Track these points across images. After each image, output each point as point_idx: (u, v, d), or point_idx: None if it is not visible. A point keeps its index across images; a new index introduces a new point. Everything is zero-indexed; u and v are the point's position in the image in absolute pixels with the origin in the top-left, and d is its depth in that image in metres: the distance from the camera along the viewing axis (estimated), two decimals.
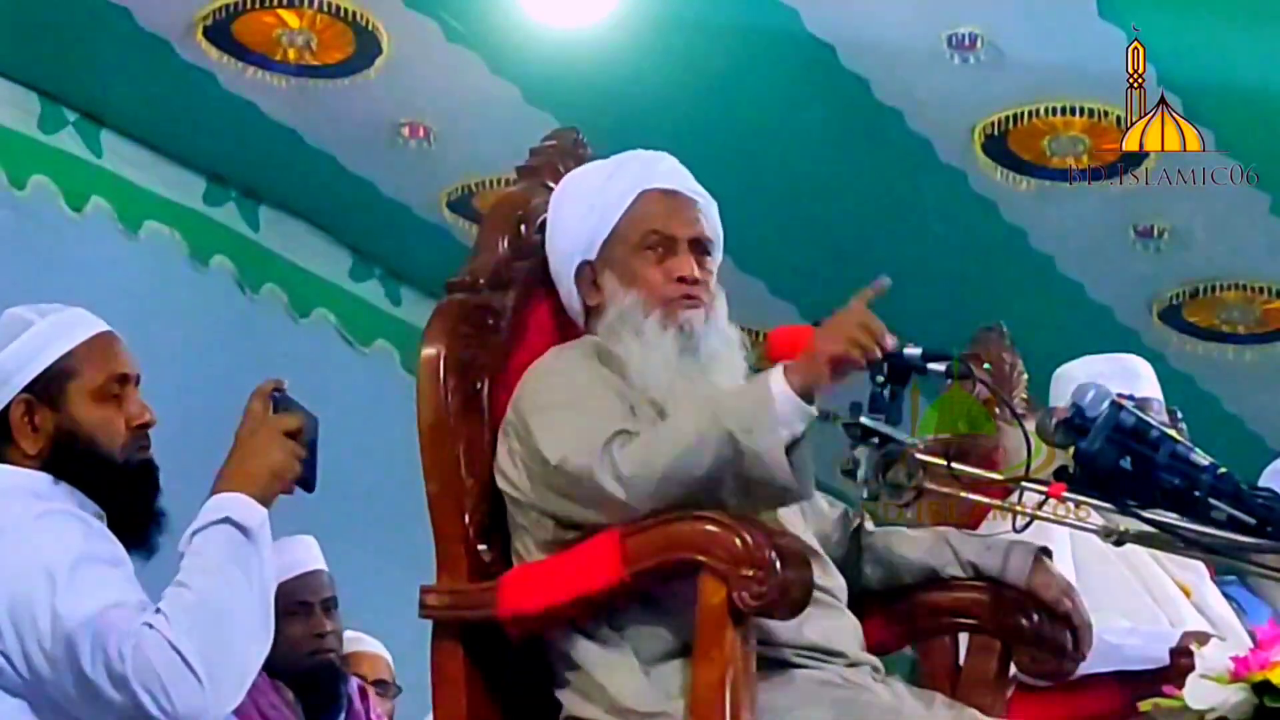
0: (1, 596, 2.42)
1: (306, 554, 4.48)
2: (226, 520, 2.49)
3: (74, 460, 2.58)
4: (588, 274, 2.97)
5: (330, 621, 4.43)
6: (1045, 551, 2.96)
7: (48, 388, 2.60)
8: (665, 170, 3.01)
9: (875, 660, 2.87)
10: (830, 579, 2.87)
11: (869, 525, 3.04)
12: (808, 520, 2.98)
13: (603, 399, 2.80)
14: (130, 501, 2.61)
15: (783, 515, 2.83)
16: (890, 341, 2.63)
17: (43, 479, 2.57)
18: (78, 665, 2.37)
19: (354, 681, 4.58)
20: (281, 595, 4.21)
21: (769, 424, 2.59)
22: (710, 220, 2.99)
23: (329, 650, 4.38)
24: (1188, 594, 3.92)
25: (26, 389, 2.59)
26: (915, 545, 3.00)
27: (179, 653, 2.36)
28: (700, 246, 2.96)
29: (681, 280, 2.91)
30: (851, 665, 2.80)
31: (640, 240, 2.93)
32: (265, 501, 2.54)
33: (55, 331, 2.63)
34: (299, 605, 4.33)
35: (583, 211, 2.98)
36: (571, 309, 3.02)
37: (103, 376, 2.63)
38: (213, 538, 2.48)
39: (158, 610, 2.40)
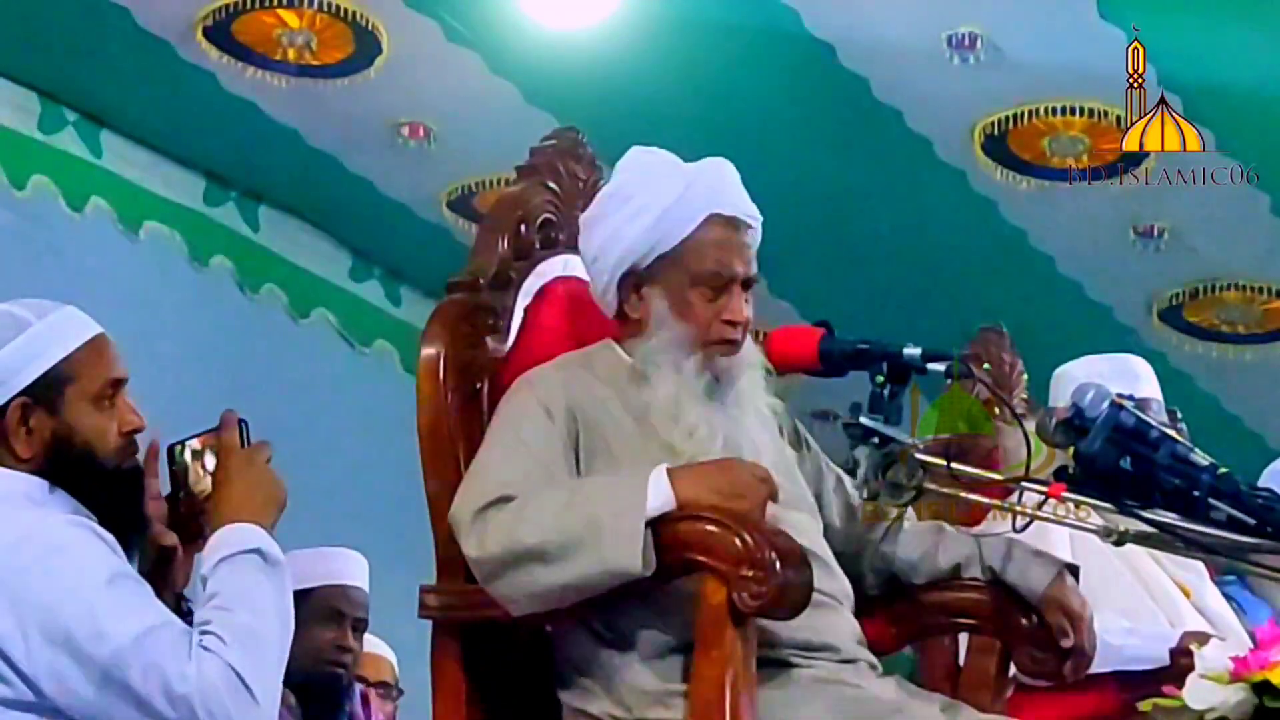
0: (28, 612, 2.40)
1: (355, 569, 4.51)
2: (256, 551, 2.52)
3: (69, 467, 2.56)
4: (631, 281, 2.94)
5: (355, 640, 4.44)
6: (1071, 569, 2.96)
7: (46, 392, 2.57)
8: (731, 190, 2.96)
9: (871, 657, 2.87)
10: (831, 581, 2.87)
11: (907, 523, 3.04)
12: (824, 504, 3.00)
13: (520, 449, 2.81)
14: (120, 508, 2.61)
15: (789, 515, 2.83)
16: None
17: (39, 484, 2.55)
18: (124, 683, 2.38)
19: (358, 689, 4.58)
20: (320, 599, 4.25)
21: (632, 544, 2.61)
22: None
23: (343, 665, 4.39)
24: (1187, 594, 3.92)
25: (24, 391, 2.58)
26: (947, 545, 3.01)
27: (238, 674, 2.40)
28: (749, 284, 2.94)
29: (729, 323, 2.90)
30: (846, 661, 2.80)
31: (700, 276, 2.90)
32: (272, 530, 2.57)
33: (54, 333, 2.60)
34: (334, 613, 4.35)
35: (647, 221, 2.91)
36: (601, 301, 3.00)
37: (100, 382, 2.61)
38: (244, 566, 2.50)
39: (206, 632, 2.43)
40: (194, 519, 2.65)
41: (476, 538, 2.72)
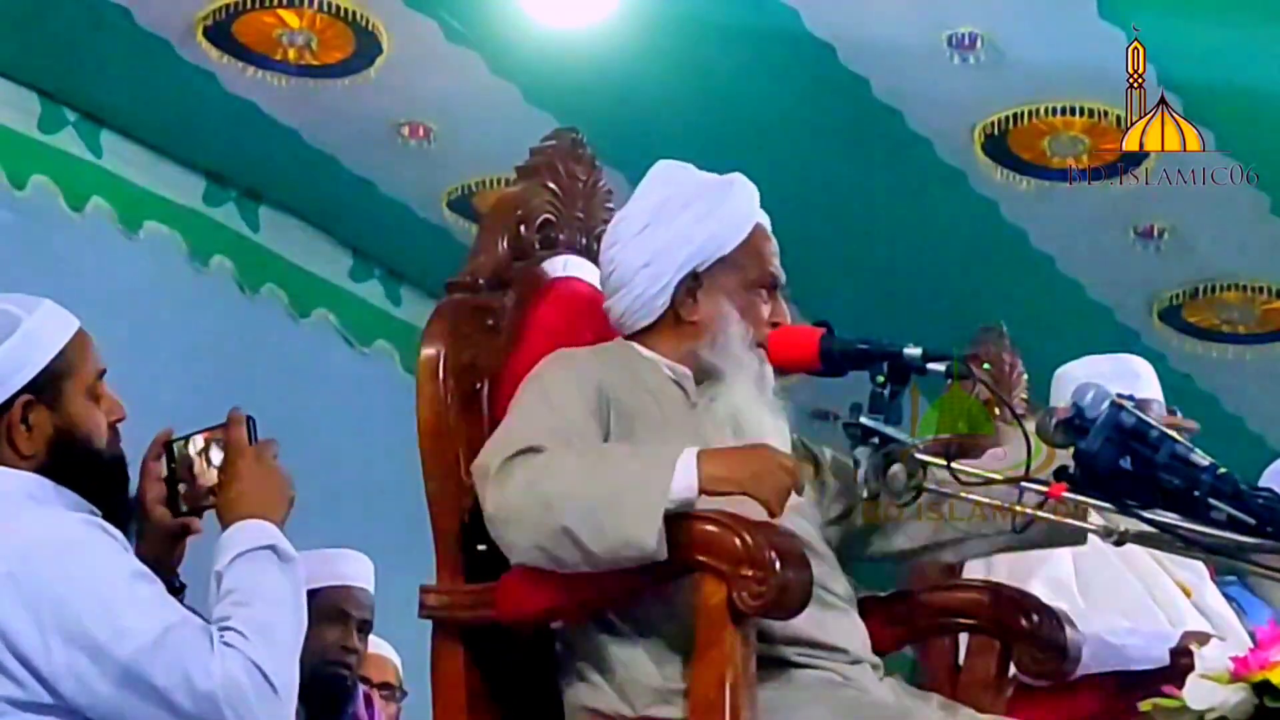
0: (47, 613, 2.40)
1: (361, 571, 4.54)
2: (270, 547, 2.53)
3: (74, 460, 2.57)
4: (687, 284, 2.97)
5: (359, 641, 4.46)
6: None
7: (47, 387, 2.58)
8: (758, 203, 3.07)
9: (876, 659, 2.88)
10: (837, 582, 2.88)
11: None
12: (823, 501, 3.01)
13: (553, 411, 2.81)
14: (113, 498, 2.62)
15: (793, 517, 2.83)
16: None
17: (41, 482, 2.55)
18: (147, 681, 2.39)
19: (360, 690, 4.58)
20: (324, 600, 4.27)
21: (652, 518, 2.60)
22: None
23: (347, 666, 4.40)
24: (1188, 594, 3.92)
25: (25, 388, 2.57)
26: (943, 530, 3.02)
27: (260, 669, 2.41)
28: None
29: (775, 326, 2.98)
30: (854, 663, 2.81)
31: (758, 278, 3.00)
32: (282, 527, 2.59)
33: (48, 328, 2.61)
34: (339, 614, 4.37)
35: (714, 225, 2.98)
36: (641, 309, 2.99)
37: (92, 375, 2.63)
38: (260, 562, 2.52)
39: (227, 628, 2.43)
40: (196, 511, 2.68)
41: (498, 485, 2.70)
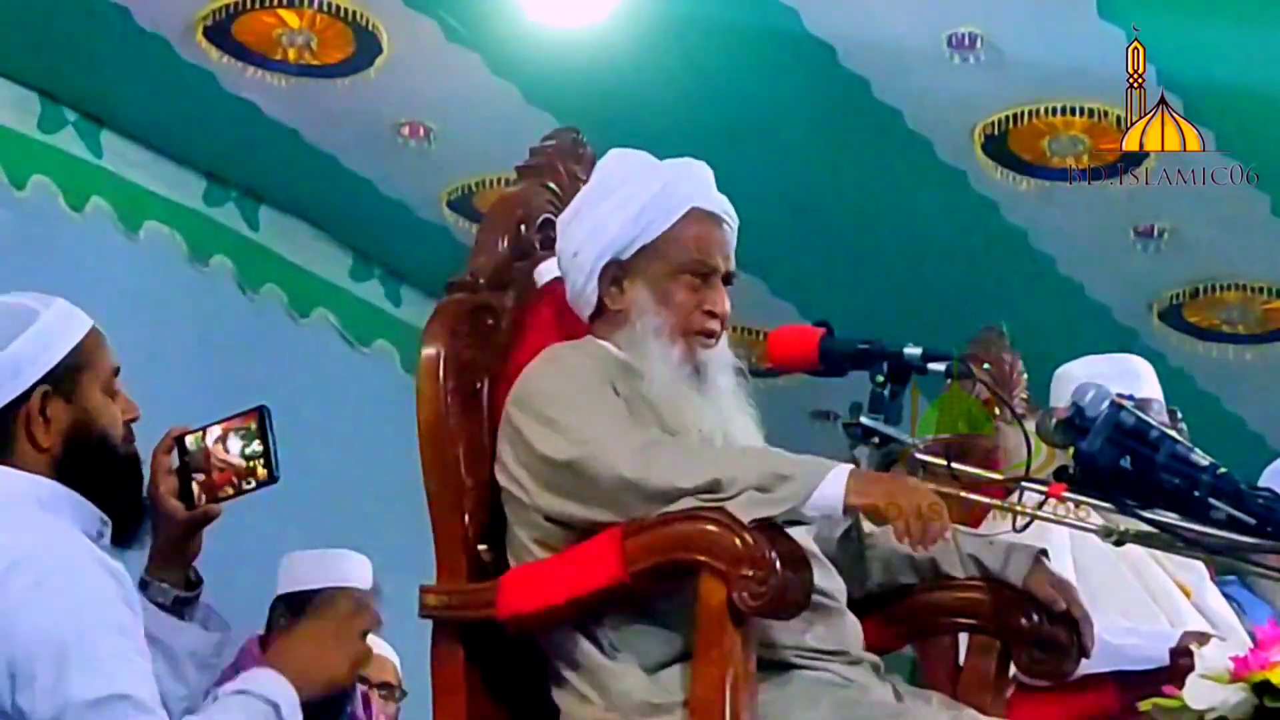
0: (37, 641, 2.31)
1: (359, 571, 4.53)
2: (275, 706, 2.46)
3: (88, 454, 2.55)
4: (612, 273, 2.96)
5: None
6: (1044, 553, 2.97)
7: (63, 380, 2.57)
8: (710, 187, 3.01)
9: (876, 659, 2.88)
10: (831, 581, 2.87)
11: (868, 526, 3.03)
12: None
13: (604, 400, 2.81)
14: (128, 497, 2.61)
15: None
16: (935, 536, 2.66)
17: (55, 491, 2.51)
18: None
19: (359, 690, 4.58)
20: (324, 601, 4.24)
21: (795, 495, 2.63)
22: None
23: None
24: (1188, 594, 3.92)
25: (42, 380, 2.57)
26: None
27: None
28: (729, 279, 2.99)
29: (711, 314, 2.93)
30: (853, 664, 2.81)
31: (682, 265, 2.94)
32: (306, 695, 2.52)
33: (65, 322, 2.60)
34: None
35: (631, 212, 2.94)
36: (579, 299, 3.00)
37: (108, 370, 2.63)
38: (254, 712, 2.45)
39: None
40: (215, 501, 2.68)
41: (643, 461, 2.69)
